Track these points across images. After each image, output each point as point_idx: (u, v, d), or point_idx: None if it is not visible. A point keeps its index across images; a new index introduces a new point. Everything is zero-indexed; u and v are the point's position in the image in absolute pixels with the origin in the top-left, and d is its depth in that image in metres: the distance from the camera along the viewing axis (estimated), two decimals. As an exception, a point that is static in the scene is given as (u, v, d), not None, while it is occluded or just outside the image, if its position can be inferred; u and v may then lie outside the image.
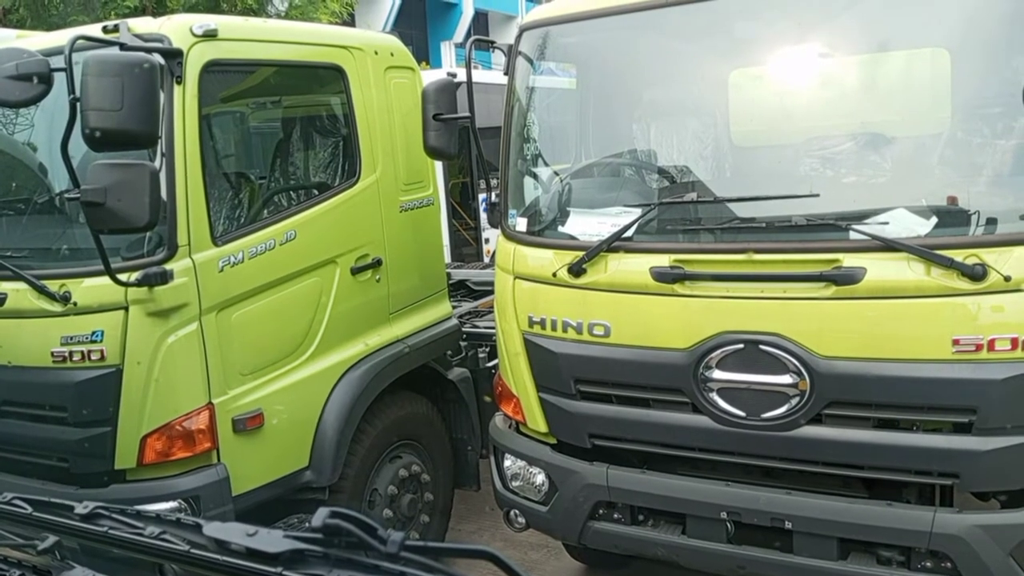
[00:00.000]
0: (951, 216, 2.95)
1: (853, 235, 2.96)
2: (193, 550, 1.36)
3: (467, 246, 11.44)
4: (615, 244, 3.36)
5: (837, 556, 3.07)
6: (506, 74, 3.83)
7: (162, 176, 3.35)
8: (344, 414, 4.15)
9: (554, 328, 3.54)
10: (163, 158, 3.45)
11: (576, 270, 3.44)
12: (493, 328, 4.14)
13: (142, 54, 3.14)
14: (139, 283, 3.40)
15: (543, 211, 3.83)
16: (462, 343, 5.20)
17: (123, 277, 3.36)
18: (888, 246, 2.88)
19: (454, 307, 5.39)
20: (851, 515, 3.03)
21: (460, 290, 6.42)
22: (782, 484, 3.22)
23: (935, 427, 2.94)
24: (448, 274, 5.45)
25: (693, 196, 3.50)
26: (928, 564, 2.95)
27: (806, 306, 3.02)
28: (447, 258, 7.09)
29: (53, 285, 3.51)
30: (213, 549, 1.33)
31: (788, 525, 3.12)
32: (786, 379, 3.04)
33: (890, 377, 2.91)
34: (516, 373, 3.72)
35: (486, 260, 10.21)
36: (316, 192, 4.38)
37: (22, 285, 3.58)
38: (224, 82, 3.93)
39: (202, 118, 3.59)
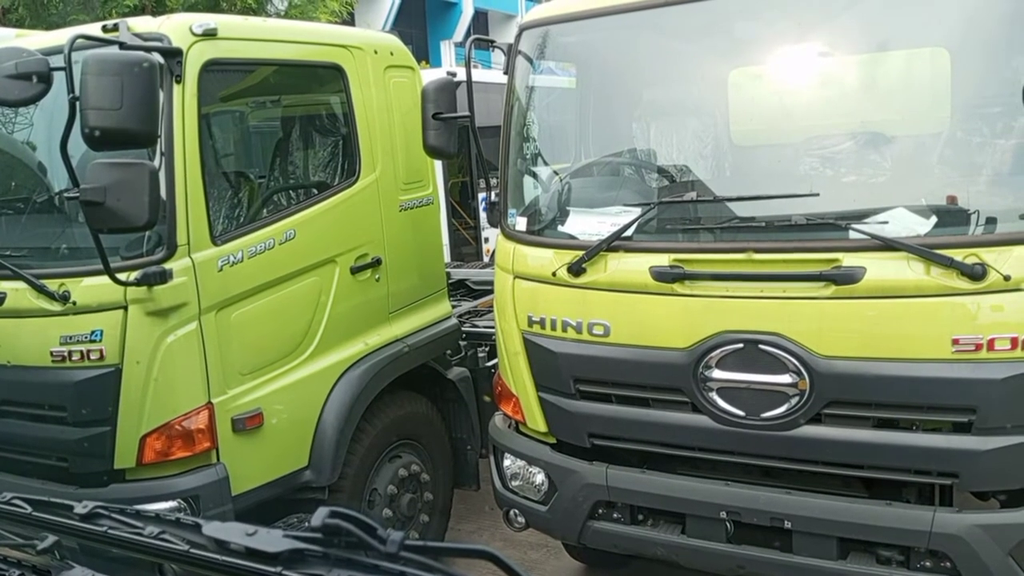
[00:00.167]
0: (951, 215, 2.95)
1: (853, 234, 2.96)
2: (192, 550, 1.35)
3: (467, 245, 11.44)
4: (615, 243, 3.36)
5: (837, 556, 3.07)
6: (506, 73, 3.83)
7: (161, 175, 3.35)
8: (344, 413, 4.15)
9: (554, 327, 3.54)
10: (162, 157, 3.45)
11: (576, 269, 3.44)
12: (492, 327, 4.14)
13: (141, 53, 3.14)
14: (138, 282, 3.39)
15: (543, 210, 3.83)
16: (462, 342, 5.20)
17: (122, 276, 3.36)
18: (888, 245, 2.88)
19: (454, 306, 5.39)
20: (851, 515, 3.03)
21: (460, 289, 6.41)
22: (782, 484, 3.22)
23: (935, 427, 2.94)
24: (448, 273, 5.45)
25: (693, 195, 3.50)
26: (927, 564, 2.95)
27: (806, 306, 3.02)
28: (447, 257, 7.09)
29: (52, 284, 3.51)
30: (212, 549, 1.33)
31: (788, 525, 3.12)
32: (786, 379, 3.04)
33: (890, 377, 2.91)
34: (516, 373, 3.72)
35: (486, 259, 10.21)
36: (315, 191, 4.38)
37: (21, 284, 3.58)
38: (224, 81, 3.93)
39: (201, 117, 3.59)
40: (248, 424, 3.74)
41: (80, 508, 1.52)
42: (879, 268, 2.90)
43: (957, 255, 2.79)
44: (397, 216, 4.62)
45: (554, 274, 3.50)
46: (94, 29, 3.39)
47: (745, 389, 3.13)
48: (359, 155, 4.40)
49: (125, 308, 3.46)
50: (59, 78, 3.01)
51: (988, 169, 3.13)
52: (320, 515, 1.25)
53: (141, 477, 3.57)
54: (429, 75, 4.61)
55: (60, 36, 3.52)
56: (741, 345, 3.11)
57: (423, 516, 4.74)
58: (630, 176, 3.93)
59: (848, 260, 2.94)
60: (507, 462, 3.85)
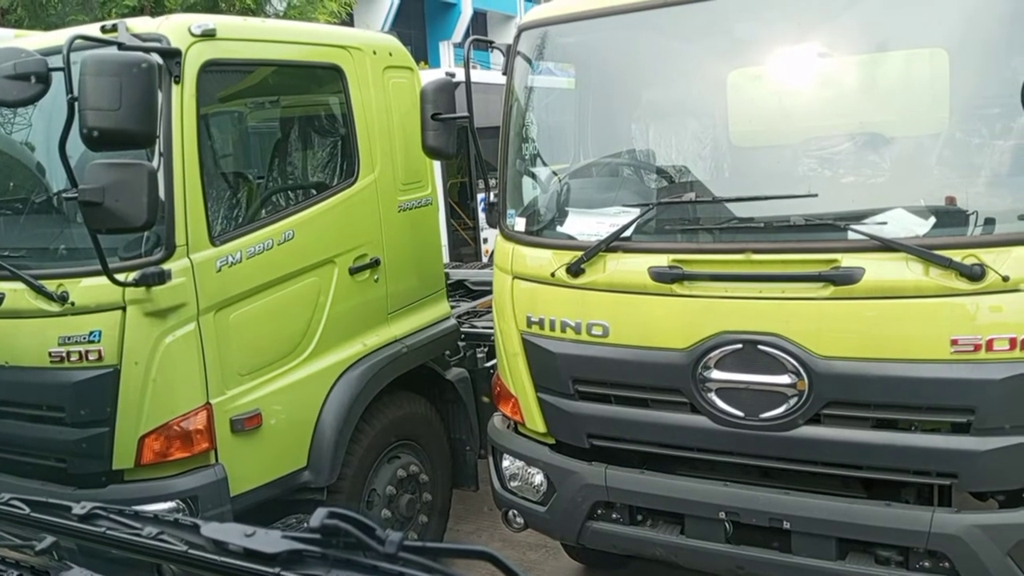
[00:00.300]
0: (949, 216, 2.95)
1: (852, 235, 2.96)
2: (191, 550, 1.35)
3: (465, 246, 11.44)
4: (614, 244, 3.36)
5: (836, 556, 3.07)
6: (505, 74, 3.83)
7: (160, 176, 3.35)
8: (342, 414, 4.15)
9: (552, 328, 3.54)
10: (161, 158, 3.44)
11: (575, 270, 3.43)
12: (491, 328, 4.14)
13: (140, 54, 3.14)
14: (137, 283, 3.39)
15: (542, 211, 3.83)
16: (460, 343, 5.20)
17: (121, 277, 3.36)
18: (886, 246, 2.88)
19: (452, 307, 5.38)
20: (849, 515, 3.03)
21: (458, 290, 6.41)
22: (780, 484, 3.22)
23: (933, 427, 2.94)
24: (446, 274, 5.45)
25: (692, 196, 3.50)
26: (926, 564, 2.95)
27: (805, 306, 3.02)
28: (445, 258, 7.09)
29: (51, 285, 3.51)
30: (211, 549, 1.33)
31: (786, 525, 3.12)
32: (784, 379, 3.04)
33: (888, 377, 2.91)
34: (514, 373, 3.72)
35: (484, 260, 10.21)
36: (314, 192, 4.38)
37: (20, 285, 3.57)
38: (222, 82, 3.92)
39: (200, 118, 3.58)
40: (247, 425, 3.74)
41: (78, 509, 1.52)
42: (878, 269, 2.90)
43: (956, 256, 2.79)
44: (396, 217, 4.62)
45: (553, 275, 3.50)
46: (93, 30, 3.39)
47: (744, 390, 3.13)
48: (358, 156, 4.40)
49: (123, 309, 3.46)
50: (58, 79, 3.01)
51: (987, 170, 3.14)
52: (319, 516, 1.25)
53: (139, 478, 3.57)
54: (428, 76, 4.61)
55: (59, 37, 3.51)
56: (740, 346, 3.11)
57: (422, 517, 4.74)
58: (629, 177, 3.93)
59: (847, 261, 2.94)
60: (506, 463, 3.84)
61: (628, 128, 4.02)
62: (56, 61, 2.99)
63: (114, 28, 3.39)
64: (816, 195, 3.08)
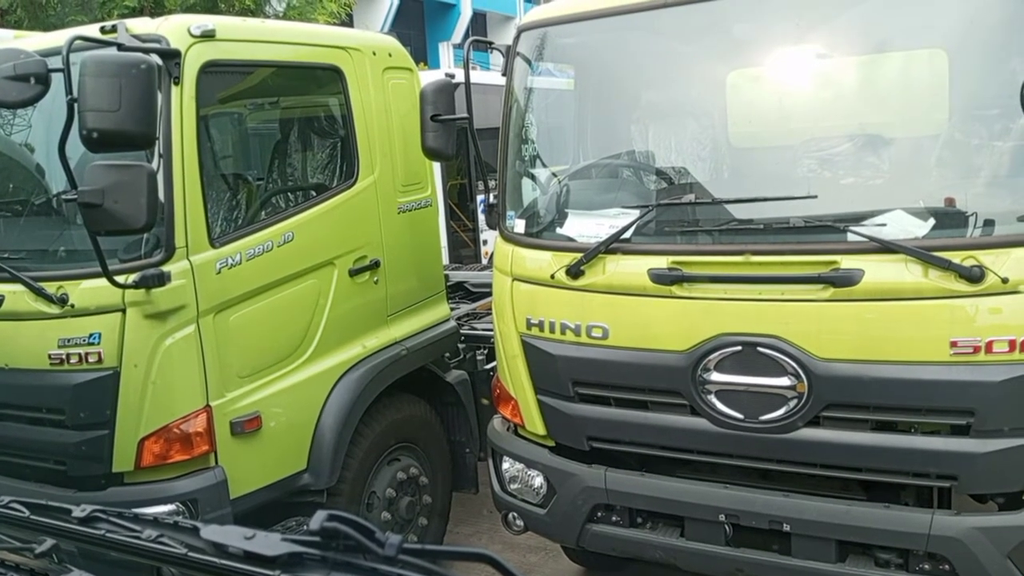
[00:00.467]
0: (949, 218, 2.96)
1: (851, 237, 2.96)
2: (191, 553, 1.35)
3: (465, 248, 11.43)
4: (613, 246, 3.36)
5: (835, 558, 3.07)
6: (504, 75, 3.83)
7: (159, 177, 3.35)
8: (342, 417, 4.14)
9: (552, 330, 3.54)
10: (160, 159, 3.44)
11: (574, 272, 3.43)
12: (491, 330, 4.14)
13: (140, 55, 3.14)
14: (136, 285, 3.39)
15: (541, 213, 3.83)
16: (460, 345, 5.20)
17: (120, 279, 3.35)
18: (886, 248, 2.88)
19: (452, 309, 5.38)
20: (849, 517, 3.02)
21: (458, 292, 6.41)
22: (780, 486, 3.22)
23: (933, 429, 2.94)
24: (446, 276, 5.45)
25: (691, 197, 3.50)
26: (926, 566, 2.95)
27: (804, 308, 3.02)
28: (445, 260, 7.09)
29: (50, 287, 3.51)
30: (211, 552, 1.33)
31: (786, 527, 3.12)
32: (784, 381, 3.04)
33: (888, 379, 2.91)
34: (514, 375, 3.72)
35: (484, 262, 10.20)
36: (314, 193, 4.38)
37: (19, 287, 3.57)
38: (222, 83, 3.93)
39: (200, 119, 3.58)
40: (246, 427, 3.74)
41: (78, 512, 1.52)
42: (877, 270, 2.90)
43: (955, 257, 2.79)
44: (395, 218, 4.62)
45: (552, 276, 3.50)
46: (92, 31, 3.38)
47: (743, 392, 3.13)
48: (357, 157, 4.40)
49: (123, 311, 3.45)
50: (57, 80, 3.00)
51: (986, 171, 3.14)
52: (318, 518, 1.24)
53: (139, 480, 3.56)
54: (427, 77, 4.61)
55: (58, 37, 3.51)
56: (739, 348, 3.11)
57: (422, 519, 4.73)
58: (628, 178, 3.93)
59: (846, 262, 2.94)
60: (506, 465, 3.84)
61: (627, 129, 4.02)
62: (55, 62, 2.99)
63: (113, 29, 3.39)
64: (815, 196, 3.08)
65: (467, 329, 5.45)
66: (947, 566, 2.90)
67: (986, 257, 2.77)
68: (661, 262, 3.25)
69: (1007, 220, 2.89)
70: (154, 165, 3.37)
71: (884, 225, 2.94)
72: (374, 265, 4.42)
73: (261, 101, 4.65)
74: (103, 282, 3.31)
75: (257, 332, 3.85)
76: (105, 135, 2.97)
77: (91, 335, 3.48)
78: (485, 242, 11.01)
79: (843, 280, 2.93)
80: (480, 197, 10.45)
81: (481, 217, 10.31)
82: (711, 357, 3.15)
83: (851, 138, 3.27)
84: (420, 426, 4.79)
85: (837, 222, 3.02)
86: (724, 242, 3.25)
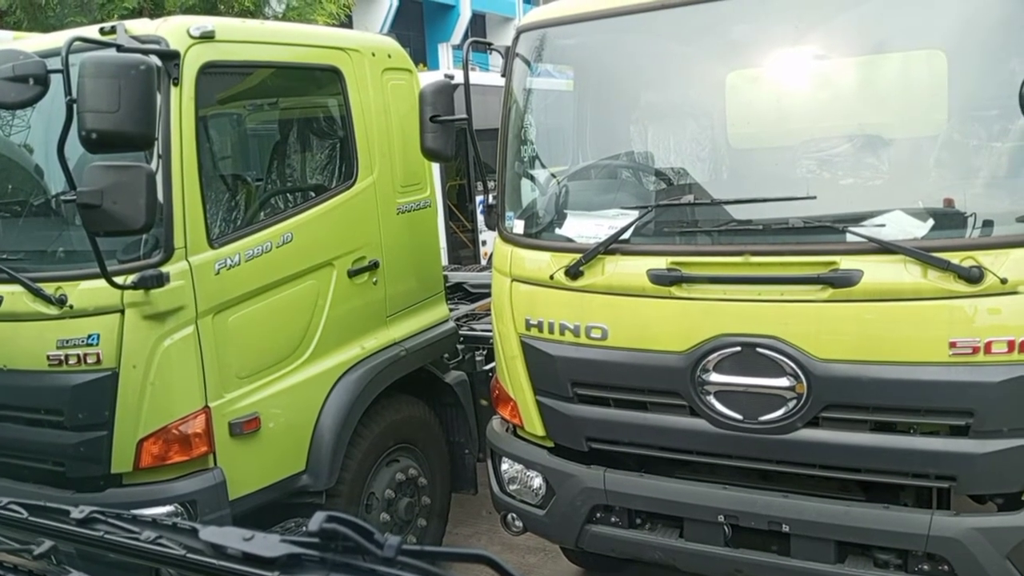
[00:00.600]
0: (948, 218, 2.96)
1: (850, 237, 2.96)
2: (189, 555, 1.35)
3: (464, 248, 11.43)
4: (612, 246, 3.36)
5: (834, 559, 3.07)
6: (503, 76, 3.83)
7: (158, 178, 3.35)
8: (341, 418, 4.14)
9: (551, 331, 3.53)
10: (159, 160, 3.44)
11: (573, 272, 3.43)
12: (490, 331, 4.13)
13: (139, 56, 3.14)
14: (135, 286, 3.39)
15: (540, 213, 3.83)
16: (459, 346, 5.20)
17: (119, 280, 3.35)
18: (885, 248, 2.88)
19: (451, 310, 5.38)
20: (848, 518, 3.02)
21: (457, 293, 6.41)
22: (779, 487, 3.22)
23: (932, 430, 2.94)
24: (445, 276, 5.45)
25: (690, 198, 3.50)
26: (925, 567, 2.95)
27: (803, 309, 3.02)
28: (444, 260, 7.09)
29: (49, 288, 3.50)
30: (209, 554, 1.33)
31: (785, 528, 3.12)
32: (783, 382, 3.04)
33: (887, 380, 2.91)
34: (513, 376, 3.72)
35: (483, 262, 10.20)
36: (313, 194, 4.37)
37: (18, 288, 3.57)
38: (221, 84, 3.92)
39: (199, 120, 3.58)
40: (245, 428, 3.74)
41: (76, 513, 1.51)
42: (876, 271, 2.90)
43: (954, 258, 2.79)
44: (395, 219, 4.62)
45: (551, 277, 3.50)
46: (91, 32, 3.38)
47: (742, 392, 3.13)
48: (356, 158, 4.40)
49: (122, 312, 3.45)
50: (56, 81, 3.00)
51: (985, 172, 3.14)
52: (317, 520, 1.24)
53: (138, 482, 3.56)
54: (427, 78, 4.61)
55: (57, 38, 3.51)
56: (738, 348, 3.11)
57: (421, 520, 4.73)
58: (627, 179, 3.94)
59: (845, 263, 2.94)
60: (505, 466, 3.84)
61: (627, 130, 4.02)
62: (55, 63, 2.99)
63: (113, 30, 3.39)
64: (815, 197, 3.08)
65: (466, 330, 5.45)
66: (946, 567, 2.90)
67: (985, 258, 2.77)
68: (660, 263, 3.25)
69: (1006, 221, 2.89)
70: (153, 166, 3.37)
71: (883, 226, 2.94)
72: (373, 266, 4.42)
73: (260, 102, 4.65)
74: (102, 283, 3.31)
75: (256, 333, 3.85)
76: (104, 136, 2.96)
77: (90, 336, 3.48)
78: (484, 243, 11.00)
79: (842, 281, 2.93)
80: (479, 198, 10.44)
81: (480, 218, 10.32)
82: (710, 358, 3.15)
83: (850, 139, 3.27)
84: (419, 427, 4.79)
85: (836, 223, 3.02)
86: (723, 243, 3.25)
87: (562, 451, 3.63)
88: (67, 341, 3.50)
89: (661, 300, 3.26)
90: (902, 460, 2.96)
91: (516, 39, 3.80)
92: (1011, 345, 2.75)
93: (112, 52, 3.17)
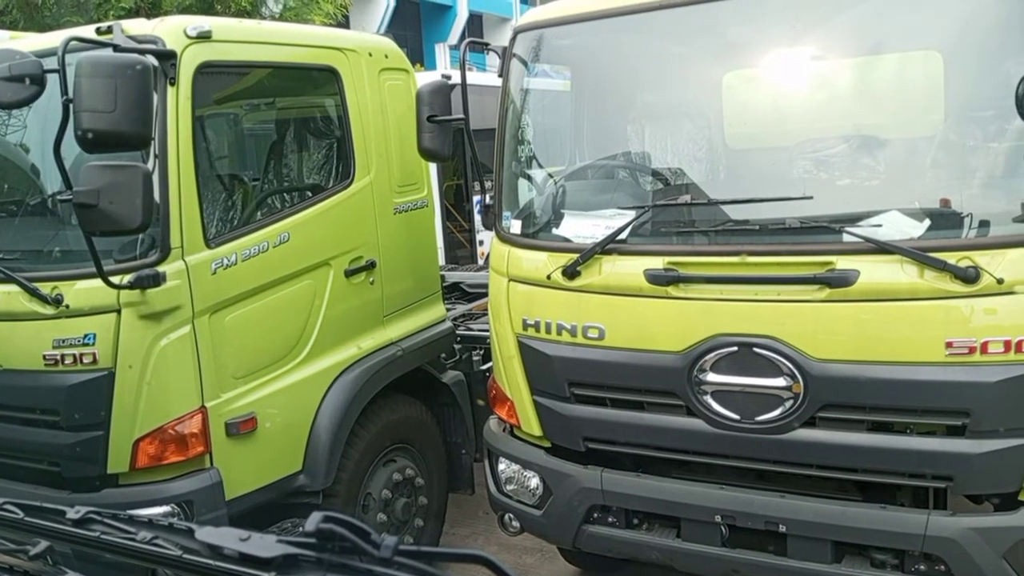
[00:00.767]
0: (944, 219, 2.96)
1: (846, 237, 2.97)
2: (185, 555, 1.35)
3: (461, 248, 11.43)
4: (609, 246, 3.36)
5: (831, 559, 3.07)
6: (500, 76, 3.83)
7: (155, 178, 3.34)
8: (338, 418, 4.14)
9: (548, 331, 3.53)
10: (156, 160, 3.44)
11: (570, 272, 3.43)
12: (487, 331, 4.13)
13: (135, 55, 3.13)
14: (131, 285, 3.38)
15: (537, 213, 3.83)
16: (456, 346, 5.20)
17: (115, 279, 3.35)
18: (881, 248, 2.88)
19: (448, 309, 5.38)
20: (845, 518, 3.03)
21: (454, 292, 6.41)
22: (776, 487, 3.22)
23: (929, 430, 2.95)
24: (442, 276, 5.44)
25: (687, 198, 3.50)
26: (922, 567, 2.96)
27: (800, 308, 3.03)
28: (441, 260, 7.09)
29: (45, 287, 3.50)
30: (206, 554, 1.32)
31: (782, 528, 3.12)
32: (780, 382, 3.04)
33: (884, 380, 2.91)
34: (510, 376, 3.72)
35: (480, 262, 10.20)
36: (310, 194, 4.37)
37: (14, 287, 3.56)
38: (218, 84, 3.92)
39: (195, 120, 3.58)
40: (242, 428, 3.73)
41: (73, 513, 1.51)
42: (873, 271, 2.91)
43: (950, 258, 2.80)
44: (392, 219, 4.62)
45: (549, 277, 3.50)
46: (88, 31, 3.38)
47: (739, 392, 3.13)
48: (353, 158, 4.40)
49: (118, 311, 3.45)
50: (53, 80, 3.00)
51: (981, 172, 3.15)
52: (314, 520, 1.24)
53: (134, 482, 3.56)
54: (424, 78, 4.61)
55: (54, 38, 3.51)
56: (735, 348, 3.11)
57: (417, 520, 4.73)
58: (624, 179, 3.94)
59: (842, 263, 2.95)
60: (502, 466, 3.84)
61: (624, 130, 4.03)
62: (51, 63, 2.98)
63: (109, 30, 3.39)
64: (811, 197, 3.08)
65: (463, 330, 5.45)
66: (943, 567, 2.90)
67: (981, 258, 2.78)
68: (657, 263, 3.26)
69: (1002, 221, 2.89)
70: (149, 166, 3.36)
71: (880, 226, 2.95)
72: (370, 266, 4.42)
73: (257, 102, 4.65)
74: (98, 283, 3.31)
75: (253, 333, 3.85)
76: (100, 136, 2.96)
77: (86, 336, 3.47)
78: (481, 243, 11.01)
79: (839, 281, 2.94)
80: (476, 198, 10.45)
81: (477, 218, 10.32)
82: (707, 358, 3.15)
83: (847, 139, 3.27)
84: (416, 427, 4.78)
85: (833, 223, 3.03)
86: (720, 243, 3.25)
87: (559, 451, 3.63)
88: (63, 341, 3.50)
89: (658, 300, 3.26)
90: (899, 460, 2.96)
91: (513, 39, 3.81)
92: (1007, 345, 2.76)
93: (108, 52, 3.17)
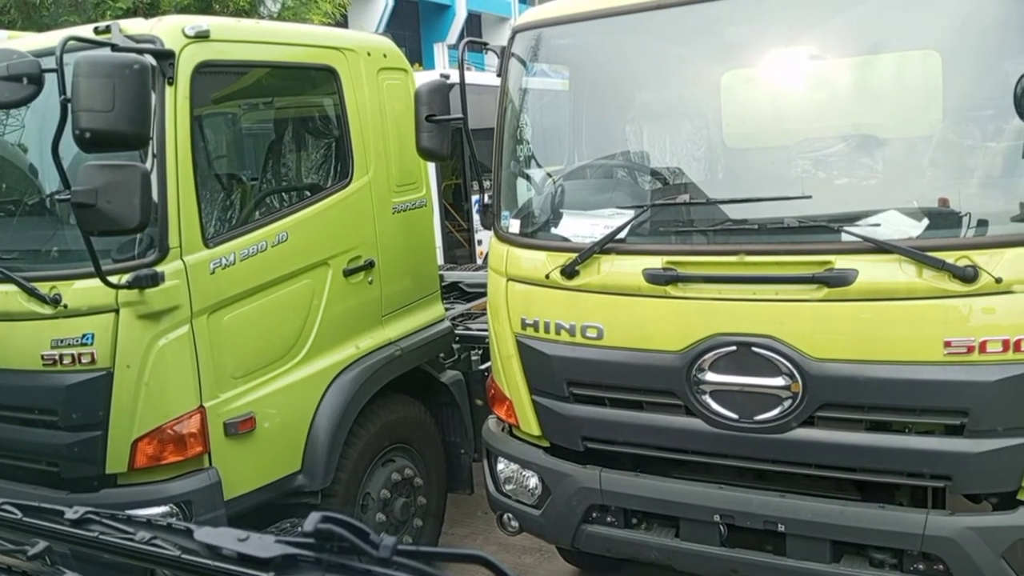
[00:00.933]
0: (942, 218, 2.96)
1: (845, 237, 2.97)
2: (184, 555, 1.35)
3: (460, 248, 11.43)
4: (608, 246, 3.36)
5: (830, 559, 3.07)
6: (499, 76, 3.83)
7: (153, 177, 3.34)
8: (336, 418, 4.14)
9: (547, 330, 3.53)
10: (154, 159, 3.43)
11: (569, 272, 3.43)
12: (486, 330, 4.13)
13: (133, 55, 3.13)
14: (130, 285, 3.38)
15: (536, 213, 3.83)
16: (455, 345, 5.19)
17: (114, 279, 3.34)
18: (880, 248, 2.88)
19: (447, 309, 5.38)
20: (844, 518, 3.03)
21: (453, 292, 6.41)
22: (775, 487, 3.22)
23: (927, 429, 2.95)
24: (441, 276, 5.44)
25: (686, 198, 3.51)
26: (920, 566, 2.96)
27: (798, 308, 3.03)
28: (440, 260, 7.08)
29: (43, 287, 3.49)
30: (204, 554, 1.32)
31: (781, 528, 3.12)
32: (778, 381, 3.04)
33: (882, 379, 2.91)
34: (509, 376, 3.72)
35: (479, 262, 10.20)
36: (308, 193, 4.37)
37: (12, 287, 3.56)
38: (216, 83, 3.92)
39: (194, 119, 3.58)
40: (240, 428, 3.73)
41: (71, 513, 1.51)
42: (871, 270, 2.91)
43: (949, 257, 2.80)
44: (390, 218, 4.61)
45: (547, 276, 3.50)
46: (86, 31, 3.38)
47: (738, 392, 3.13)
48: (352, 157, 4.40)
49: (116, 311, 3.44)
50: (51, 80, 3.00)
51: (979, 172, 3.15)
52: (312, 520, 1.24)
53: (133, 482, 3.55)
54: (422, 77, 4.61)
55: (52, 38, 3.50)
56: (734, 348, 3.11)
57: (416, 520, 4.72)
58: (623, 178, 3.94)
59: (840, 262, 2.95)
60: (500, 466, 3.84)
61: (622, 130, 4.03)
62: (49, 62, 2.98)
63: (107, 29, 3.38)
64: (810, 197, 3.08)
65: (462, 329, 5.44)
66: (941, 566, 2.90)
67: (980, 257, 2.78)
68: (656, 262, 3.26)
69: (1001, 220, 2.89)
70: (148, 165, 3.36)
71: (878, 225, 2.95)
72: (368, 265, 4.42)
73: (256, 101, 4.64)
74: (96, 282, 3.30)
75: (251, 333, 3.84)
76: (98, 135, 2.96)
77: (84, 335, 3.47)
78: (480, 242, 11.01)
79: (837, 280, 2.94)
80: (475, 197, 10.45)
81: (476, 217, 10.31)
82: (706, 357, 3.15)
83: (845, 139, 3.27)
84: (415, 427, 4.78)
85: (831, 222, 3.03)
86: (719, 242, 3.25)
87: (558, 451, 3.63)
88: (61, 341, 3.49)
89: (657, 299, 3.26)
90: (897, 459, 2.96)
91: (512, 39, 3.80)
92: (1006, 344, 2.76)
93: (107, 51, 3.16)
